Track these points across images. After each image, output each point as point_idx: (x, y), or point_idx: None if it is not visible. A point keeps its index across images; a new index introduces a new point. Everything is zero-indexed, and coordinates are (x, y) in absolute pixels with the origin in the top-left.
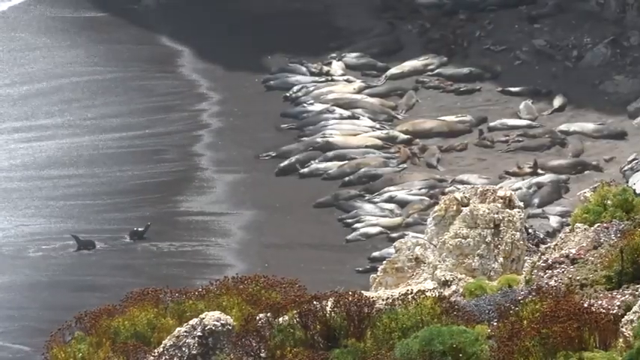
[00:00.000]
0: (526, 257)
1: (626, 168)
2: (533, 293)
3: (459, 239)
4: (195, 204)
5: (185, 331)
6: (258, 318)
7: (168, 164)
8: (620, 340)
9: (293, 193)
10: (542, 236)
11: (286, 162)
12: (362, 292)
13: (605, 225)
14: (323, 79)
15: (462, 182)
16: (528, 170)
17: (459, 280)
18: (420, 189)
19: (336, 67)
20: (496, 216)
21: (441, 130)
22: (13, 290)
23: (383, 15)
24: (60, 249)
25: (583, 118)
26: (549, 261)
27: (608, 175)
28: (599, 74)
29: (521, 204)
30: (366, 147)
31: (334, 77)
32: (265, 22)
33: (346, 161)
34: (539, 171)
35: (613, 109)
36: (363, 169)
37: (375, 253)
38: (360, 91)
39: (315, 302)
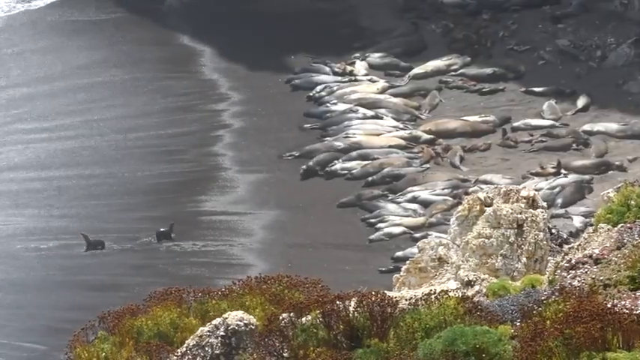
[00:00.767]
0: (549, 257)
1: None
2: (557, 293)
3: (483, 239)
4: (218, 204)
5: (208, 331)
6: (281, 318)
7: (191, 164)
8: None
9: (316, 193)
10: (565, 236)
11: (306, 166)
12: (385, 292)
13: (628, 225)
14: (346, 79)
15: (486, 182)
16: (552, 170)
17: (482, 280)
18: (443, 189)
19: (360, 67)
20: (519, 216)
21: (464, 130)
22: (29, 289)
23: (406, 15)
24: (79, 247)
25: (607, 118)
26: (572, 261)
27: (632, 175)
28: (623, 74)
29: (545, 204)
30: (390, 147)
31: (358, 77)
32: (289, 22)
33: (369, 161)
34: (563, 171)
35: (637, 109)
36: (386, 169)
37: (399, 253)
38: (383, 91)
39: (338, 302)
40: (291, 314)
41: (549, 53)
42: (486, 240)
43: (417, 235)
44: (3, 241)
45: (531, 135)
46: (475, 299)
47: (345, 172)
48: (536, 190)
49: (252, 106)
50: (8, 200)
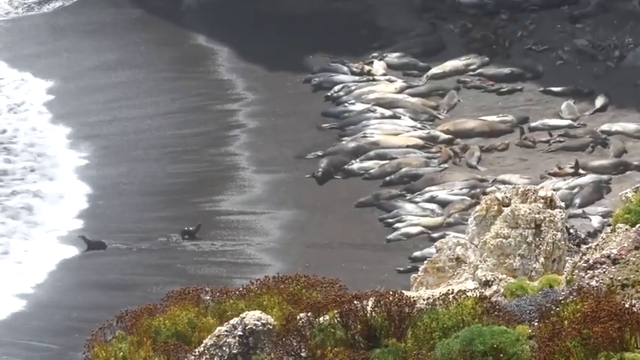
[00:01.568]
0: (567, 257)
1: None
2: (574, 293)
3: (500, 239)
4: (236, 203)
5: (226, 331)
6: (298, 317)
7: (208, 164)
8: None
9: (334, 192)
10: (583, 236)
11: (321, 171)
12: (403, 291)
13: None
14: (364, 79)
15: (504, 182)
16: (570, 170)
17: (500, 280)
18: (461, 189)
19: (378, 67)
20: (537, 216)
21: (482, 130)
22: (43, 289)
23: (424, 15)
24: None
25: (625, 118)
26: (590, 261)
27: None
28: None
29: (563, 204)
30: (407, 147)
31: (376, 77)
32: (307, 22)
33: (387, 161)
34: (581, 171)
35: None
36: (404, 169)
37: (416, 253)
38: (401, 90)
39: (355, 302)
40: (309, 314)
41: (567, 53)
42: (504, 240)
43: (435, 234)
44: None
45: (550, 135)
46: (493, 299)
47: (363, 171)
48: (554, 190)
49: (269, 106)
50: None
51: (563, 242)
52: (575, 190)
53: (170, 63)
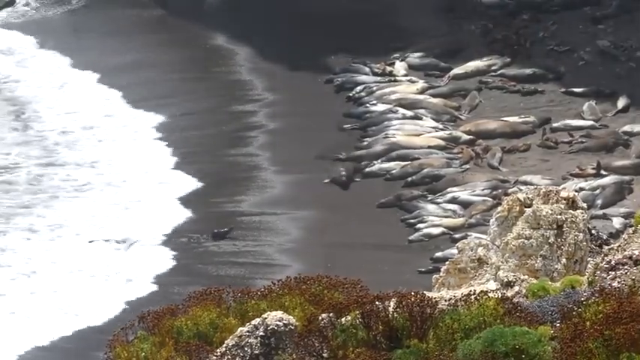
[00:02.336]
0: (589, 258)
1: None
2: (596, 294)
3: (522, 240)
4: (257, 204)
5: (247, 331)
6: (320, 318)
7: (229, 164)
8: None
9: (355, 193)
10: (605, 237)
11: (343, 176)
12: (424, 292)
13: None
14: (386, 80)
15: (525, 183)
16: (591, 171)
17: (522, 281)
18: (483, 190)
19: (399, 68)
20: (559, 217)
21: (504, 131)
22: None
23: (446, 15)
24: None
25: None
26: (612, 262)
27: None
28: None
29: (585, 205)
30: (429, 147)
31: (397, 77)
32: (328, 22)
33: (409, 162)
34: (603, 172)
35: None
36: (425, 170)
37: (438, 254)
38: (423, 91)
39: (377, 302)
40: (331, 314)
41: (589, 54)
42: (526, 241)
43: (457, 235)
44: None
45: (571, 136)
46: (515, 300)
47: (384, 172)
48: (576, 191)
49: (290, 107)
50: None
51: (585, 243)
52: (597, 191)
53: (191, 63)
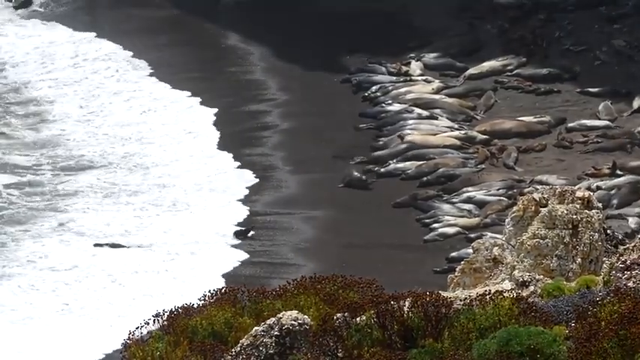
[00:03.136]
0: (604, 258)
1: None
2: (612, 294)
3: (537, 240)
4: (272, 203)
5: (262, 331)
6: (335, 318)
7: (244, 164)
8: None
9: (370, 193)
10: (620, 237)
11: (350, 178)
12: (440, 292)
13: None
14: (401, 79)
15: (541, 183)
16: (607, 171)
17: (537, 280)
18: (498, 189)
19: (415, 67)
20: (574, 217)
21: (519, 131)
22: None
23: (462, 15)
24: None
25: None
26: (628, 262)
27: None
28: None
29: (600, 205)
30: (445, 147)
31: (413, 77)
32: (343, 21)
33: (424, 161)
34: (618, 172)
35: None
36: (441, 170)
37: (453, 254)
38: (438, 91)
39: (392, 302)
40: (346, 314)
41: (605, 54)
42: (541, 240)
43: (472, 235)
44: None
45: (585, 136)
46: (530, 300)
47: (400, 172)
48: (591, 190)
49: (305, 106)
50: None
51: (600, 243)
52: (613, 191)
53: (206, 63)
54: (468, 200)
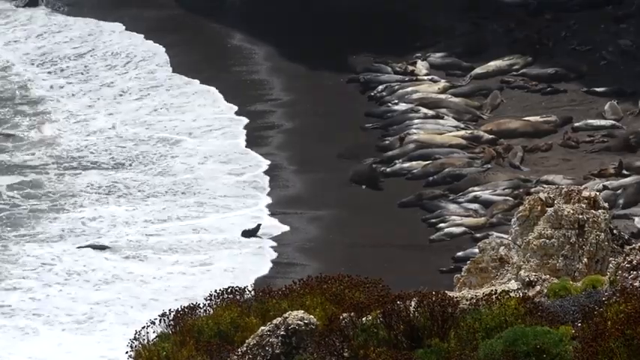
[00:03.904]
0: (610, 258)
1: None
2: (618, 294)
3: (544, 240)
4: (277, 203)
5: (268, 331)
6: (341, 317)
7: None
8: None
9: (376, 192)
10: (626, 237)
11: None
12: (446, 292)
13: None
14: (407, 79)
15: (547, 182)
16: (613, 171)
17: (543, 280)
18: (504, 189)
19: (421, 67)
20: (581, 217)
21: (525, 130)
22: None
23: (467, 15)
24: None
25: None
26: (634, 262)
27: None
28: None
29: (606, 205)
30: (451, 147)
31: (419, 77)
32: (349, 21)
33: (430, 161)
34: (625, 172)
35: None
36: (447, 169)
37: (459, 253)
38: (444, 90)
39: (398, 302)
40: (352, 314)
41: (611, 53)
42: (547, 240)
43: (478, 235)
44: None
45: (591, 136)
46: (536, 300)
47: (406, 172)
48: (597, 190)
49: (311, 106)
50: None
51: (606, 243)
52: (619, 191)
53: (211, 62)
54: (474, 200)
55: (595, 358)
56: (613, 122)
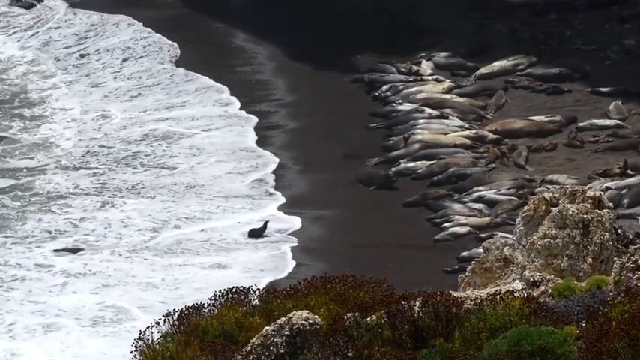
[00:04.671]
0: (615, 258)
1: None
2: (622, 294)
3: (548, 239)
4: (282, 203)
5: (273, 330)
6: (346, 317)
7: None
8: None
9: (381, 192)
10: (631, 237)
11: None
12: (450, 292)
13: None
14: (412, 79)
15: (552, 182)
16: (618, 171)
17: (548, 280)
18: (508, 189)
19: (426, 67)
20: (585, 216)
21: (530, 130)
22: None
23: (472, 14)
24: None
25: None
26: (638, 262)
27: None
28: None
29: (611, 204)
30: (455, 146)
31: (423, 77)
32: (353, 21)
33: (435, 161)
34: (629, 172)
35: None
36: (451, 169)
37: (464, 253)
38: (449, 90)
39: (403, 302)
40: (356, 314)
41: (616, 53)
42: (552, 240)
43: (483, 235)
44: None
45: (596, 136)
46: (540, 300)
47: (411, 171)
48: (602, 190)
49: (315, 106)
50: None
51: (611, 243)
52: (624, 191)
53: (216, 62)
54: (479, 200)
55: (599, 358)
56: (618, 122)
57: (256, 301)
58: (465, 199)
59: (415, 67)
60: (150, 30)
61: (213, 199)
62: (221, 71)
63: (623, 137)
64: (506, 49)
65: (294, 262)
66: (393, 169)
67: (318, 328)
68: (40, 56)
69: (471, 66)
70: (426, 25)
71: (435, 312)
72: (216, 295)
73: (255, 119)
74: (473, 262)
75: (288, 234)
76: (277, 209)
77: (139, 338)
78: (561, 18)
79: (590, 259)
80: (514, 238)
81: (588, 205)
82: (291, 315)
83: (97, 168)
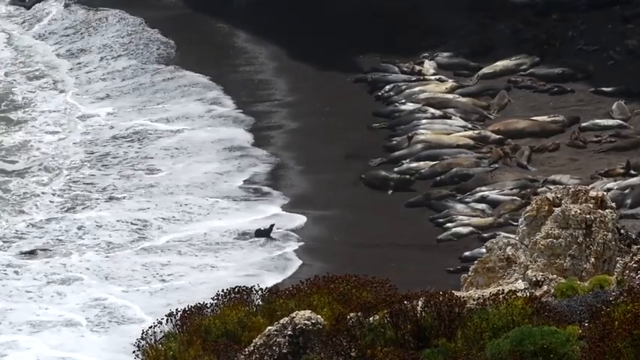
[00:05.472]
0: (618, 258)
1: None
2: (625, 294)
3: (551, 239)
4: (284, 203)
5: (275, 330)
6: (348, 317)
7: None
8: None
9: (384, 192)
10: (634, 237)
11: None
12: (453, 292)
13: None
14: (415, 79)
15: (554, 182)
16: (620, 171)
17: (551, 280)
18: (511, 189)
19: (428, 67)
20: (588, 216)
21: (533, 130)
22: None
23: (474, 14)
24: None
25: None
26: None
27: None
28: None
29: (614, 205)
30: (458, 147)
31: (426, 77)
32: (355, 21)
33: (438, 161)
34: (632, 172)
35: None
36: (454, 169)
37: (467, 253)
38: (452, 90)
39: (405, 302)
40: (359, 314)
41: (618, 53)
42: (555, 240)
43: (485, 235)
44: None
45: (598, 136)
46: (543, 299)
47: (413, 171)
48: (605, 190)
49: (318, 106)
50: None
51: (613, 243)
52: (627, 191)
53: (218, 62)
54: (482, 200)
55: (602, 358)
56: (620, 122)
57: (259, 301)
58: (467, 199)
59: (418, 67)
60: (146, 28)
61: (206, 199)
62: (222, 71)
63: (626, 137)
64: (509, 49)
65: (296, 262)
66: (396, 169)
67: (321, 328)
68: (29, 55)
69: (474, 66)
70: (428, 25)
71: (437, 312)
72: (218, 295)
73: (250, 119)
74: (475, 262)
75: (291, 231)
76: (281, 209)
77: (142, 338)
78: (564, 18)
79: (592, 259)
80: (517, 238)
81: (591, 205)
82: (293, 315)
83: (81, 169)
